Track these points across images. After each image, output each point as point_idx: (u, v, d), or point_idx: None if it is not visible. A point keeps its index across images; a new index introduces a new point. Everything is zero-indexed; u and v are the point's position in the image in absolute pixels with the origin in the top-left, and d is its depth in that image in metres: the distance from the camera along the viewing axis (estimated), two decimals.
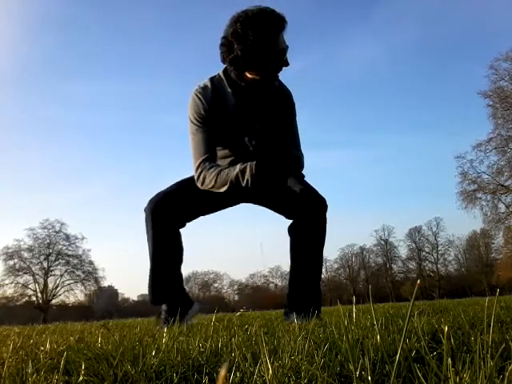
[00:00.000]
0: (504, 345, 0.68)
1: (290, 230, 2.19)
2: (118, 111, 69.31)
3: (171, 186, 2.19)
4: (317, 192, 2.16)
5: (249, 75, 2.02)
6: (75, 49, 68.22)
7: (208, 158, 2.02)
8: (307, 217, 2.11)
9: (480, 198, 27.51)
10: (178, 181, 2.24)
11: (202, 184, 2.02)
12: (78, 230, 51.07)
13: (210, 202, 2.22)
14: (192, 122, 2.07)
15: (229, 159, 2.17)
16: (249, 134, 2.05)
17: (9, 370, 0.79)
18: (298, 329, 1.26)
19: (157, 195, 2.14)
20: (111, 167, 68.49)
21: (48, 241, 43.35)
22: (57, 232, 43.79)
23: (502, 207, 27.48)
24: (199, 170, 2.02)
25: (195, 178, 2.05)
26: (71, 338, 1.58)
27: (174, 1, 68.57)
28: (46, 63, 67.77)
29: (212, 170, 1.98)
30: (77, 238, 43.96)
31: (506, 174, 27.06)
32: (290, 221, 2.21)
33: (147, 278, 2.18)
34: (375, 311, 0.83)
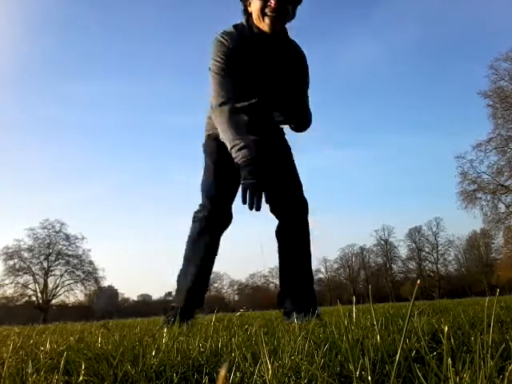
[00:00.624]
0: (504, 345, 0.68)
1: (276, 234, 2.27)
2: (117, 111, 69.40)
3: (211, 184, 2.24)
4: (299, 195, 2.26)
5: (258, 24, 2.13)
6: (75, 49, 68.30)
7: (231, 100, 2.05)
8: (288, 220, 2.22)
9: (480, 198, 27.51)
10: (209, 175, 2.26)
11: (216, 119, 2.07)
12: (77, 230, 51.08)
13: (236, 183, 2.22)
14: (218, 62, 2.11)
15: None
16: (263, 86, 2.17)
17: (9, 370, 0.79)
18: (298, 329, 1.26)
19: (208, 200, 2.22)
20: (111, 167, 68.54)
21: (48, 241, 43.38)
22: (57, 232, 43.83)
23: (502, 207, 27.49)
24: (223, 107, 2.02)
25: (214, 111, 2.07)
26: (71, 338, 1.58)
27: (174, 1, 68.56)
28: (46, 63, 67.83)
29: (232, 117, 2.00)
30: (77, 238, 44.00)
31: (506, 173, 27.06)
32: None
33: (179, 279, 2.23)
34: (375, 311, 0.83)
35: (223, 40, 2.13)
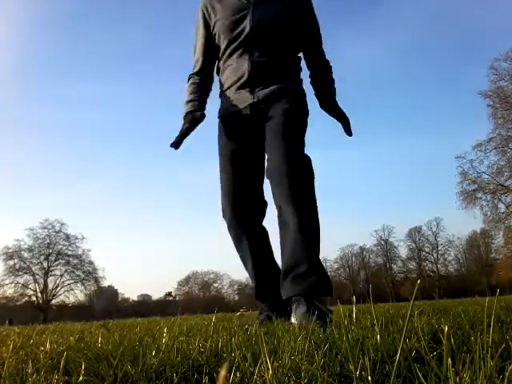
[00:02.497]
0: (504, 345, 0.68)
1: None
2: (118, 111, 69.34)
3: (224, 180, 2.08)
4: (288, 156, 1.83)
5: None
6: (75, 49, 68.24)
7: (197, 69, 2.20)
8: (279, 188, 1.84)
9: (480, 198, 27.51)
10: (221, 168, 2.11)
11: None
12: (77, 230, 50.99)
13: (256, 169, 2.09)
14: (195, 27, 2.21)
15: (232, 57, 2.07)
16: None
17: (9, 370, 0.79)
18: (298, 329, 1.26)
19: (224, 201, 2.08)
20: (111, 167, 68.51)
21: (48, 241, 43.41)
22: (57, 232, 43.86)
23: (502, 207, 27.49)
24: (188, 79, 2.23)
25: None
26: (71, 338, 1.58)
27: (175, 1, 68.58)
28: (44, 63, 67.79)
29: (189, 86, 2.18)
30: (77, 238, 44.03)
31: (506, 173, 27.06)
32: None
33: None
34: (375, 311, 0.83)
35: (202, 2, 2.16)
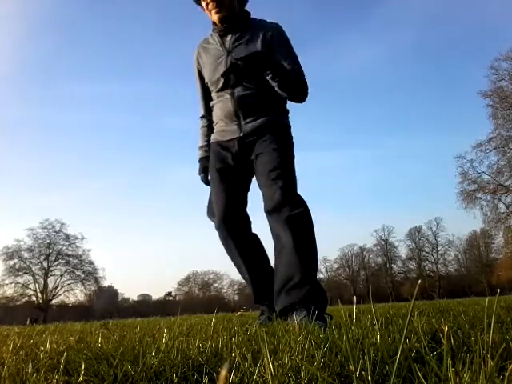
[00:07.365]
0: (504, 345, 0.68)
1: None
2: (119, 111, 69.35)
3: (211, 196, 2.25)
4: (278, 191, 1.97)
5: (213, 20, 2.22)
6: (74, 49, 68.21)
7: (205, 114, 2.42)
8: (269, 216, 2.02)
9: (480, 198, 27.51)
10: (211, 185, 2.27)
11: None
12: (78, 230, 51.05)
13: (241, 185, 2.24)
14: (195, 74, 2.38)
15: (218, 101, 2.25)
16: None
17: (9, 370, 0.79)
18: (298, 329, 1.26)
19: (213, 213, 2.22)
20: (111, 167, 68.51)
21: (48, 241, 43.42)
22: (57, 232, 43.88)
23: (502, 207, 27.48)
24: (200, 121, 2.46)
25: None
26: (71, 338, 1.58)
27: (176, 1, 68.51)
28: (41, 64, 67.75)
29: (200, 130, 2.44)
30: (77, 238, 44.05)
31: (506, 173, 27.05)
32: None
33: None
34: (375, 311, 0.83)
35: (195, 52, 2.35)
